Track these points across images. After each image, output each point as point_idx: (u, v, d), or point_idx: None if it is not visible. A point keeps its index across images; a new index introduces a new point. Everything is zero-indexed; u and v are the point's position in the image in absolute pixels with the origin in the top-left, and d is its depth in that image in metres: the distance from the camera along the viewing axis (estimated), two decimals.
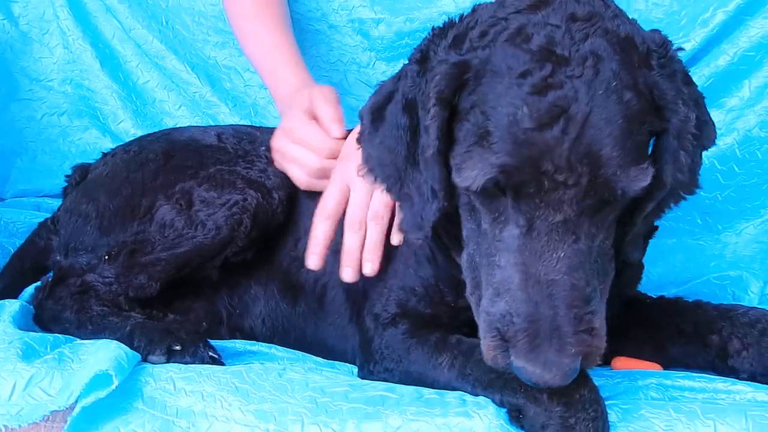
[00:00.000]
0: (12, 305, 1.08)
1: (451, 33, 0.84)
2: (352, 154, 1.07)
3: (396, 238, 1.06)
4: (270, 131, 1.37)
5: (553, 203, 0.75)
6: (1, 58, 1.62)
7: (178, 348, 0.97)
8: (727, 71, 1.34)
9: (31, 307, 1.15)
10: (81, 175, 1.35)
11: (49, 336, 1.01)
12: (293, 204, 1.22)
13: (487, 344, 0.79)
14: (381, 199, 1.07)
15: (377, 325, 1.02)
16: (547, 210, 0.75)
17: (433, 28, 0.90)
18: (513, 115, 0.74)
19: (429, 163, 0.83)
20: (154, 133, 1.41)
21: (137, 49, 1.63)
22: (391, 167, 0.89)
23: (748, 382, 0.91)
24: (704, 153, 1.35)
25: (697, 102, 0.86)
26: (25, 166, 1.65)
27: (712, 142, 0.90)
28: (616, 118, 0.74)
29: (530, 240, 0.76)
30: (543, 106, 0.73)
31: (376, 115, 0.91)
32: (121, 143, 1.44)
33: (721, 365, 0.97)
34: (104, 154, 1.37)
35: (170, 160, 1.25)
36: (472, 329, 0.97)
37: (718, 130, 1.33)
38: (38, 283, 1.20)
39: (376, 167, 0.91)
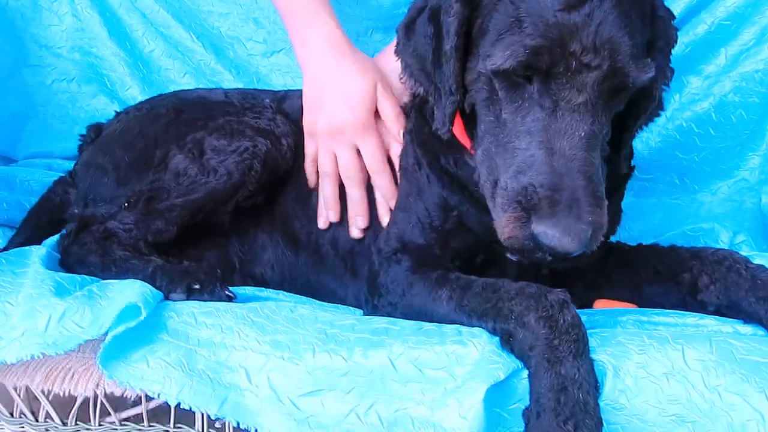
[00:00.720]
0: (39, 250, 1.16)
1: None
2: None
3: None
4: (271, 93, 1.44)
5: (578, 85, 0.86)
6: (12, 25, 1.67)
7: (197, 287, 1.05)
8: (705, 39, 1.42)
9: (56, 254, 1.22)
10: (95, 133, 1.42)
11: (77, 276, 1.09)
12: (299, 152, 1.28)
13: (507, 217, 0.87)
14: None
15: (381, 260, 1.11)
16: (572, 91, 0.86)
17: None
18: (542, 1, 0.84)
19: (447, 57, 0.94)
20: (164, 93, 1.48)
21: (143, 19, 1.69)
22: (424, 72, 1.01)
23: (715, 316, 1.00)
24: (683, 117, 1.47)
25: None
26: (35, 130, 1.71)
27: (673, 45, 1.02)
28: (630, 13, 0.86)
29: (555, 120, 0.87)
30: None
31: (408, 28, 1.04)
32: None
33: (692, 301, 1.05)
34: (117, 113, 1.45)
35: (181, 114, 1.32)
36: (462, 260, 1.09)
37: (695, 96, 1.45)
38: (63, 231, 1.27)
39: (413, 73, 1.03)
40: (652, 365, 0.85)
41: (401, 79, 1.07)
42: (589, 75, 0.85)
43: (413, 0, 1.53)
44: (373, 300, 1.11)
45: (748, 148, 1.43)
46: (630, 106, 0.97)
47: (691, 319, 0.99)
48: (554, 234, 0.83)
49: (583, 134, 0.87)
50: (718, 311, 1.02)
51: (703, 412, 0.83)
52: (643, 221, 1.47)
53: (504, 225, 0.88)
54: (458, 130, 1.07)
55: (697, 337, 0.88)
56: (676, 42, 0.99)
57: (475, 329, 0.94)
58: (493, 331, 0.92)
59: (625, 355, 0.87)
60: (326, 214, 1.26)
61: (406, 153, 1.17)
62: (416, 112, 1.17)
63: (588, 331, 0.91)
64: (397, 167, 1.20)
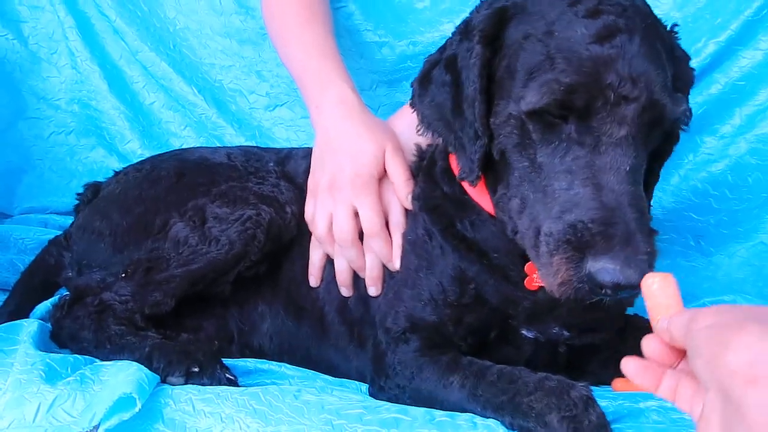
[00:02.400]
0: (30, 325, 1.10)
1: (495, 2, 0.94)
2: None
3: (397, 263, 1.12)
4: (275, 151, 1.41)
5: (618, 118, 0.83)
6: (10, 77, 1.65)
7: (196, 370, 0.99)
8: (719, 99, 1.39)
9: (48, 324, 1.17)
10: (93, 192, 1.37)
11: (70, 357, 1.03)
12: (303, 219, 1.23)
13: (557, 260, 0.81)
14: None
15: (389, 339, 1.06)
16: (613, 125, 0.83)
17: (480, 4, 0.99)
18: (572, 36, 0.83)
19: (470, 101, 0.92)
20: (165, 153, 1.44)
21: (144, 71, 1.66)
22: (443, 121, 0.99)
23: None
24: (698, 178, 1.43)
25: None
26: (32, 184, 1.67)
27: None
28: (658, 47, 0.85)
29: (598, 155, 0.83)
30: (599, 24, 0.83)
31: (423, 80, 1.03)
32: (129, 163, 1.47)
33: None
34: (116, 173, 1.40)
35: (182, 178, 1.28)
36: (475, 337, 1.04)
37: (710, 156, 1.41)
38: (54, 300, 1.23)
39: (431, 123, 1.02)
40: None
41: (418, 131, 1.05)
42: (629, 107, 0.82)
43: (419, 54, 1.55)
44: (380, 381, 1.05)
45: (766, 211, 1.39)
46: (655, 150, 0.95)
47: None
48: (615, 268, 0.77)
49: (627, 168, 0.83)
50: None
51: None
52: None
53: (555, 270, 0.81)
54: (472, 187, 1.04)
55: None
56: (693, 83, 0.98)
57: (491, 421, 0.89)
58: (510, 426, 0.87)
59: None
60: (311, 279, 1.22)
61: (415, 223, 1.12)
62: (424, 175, 1.13)
63: (612, 426, 0.86)
64: (394, 235, 1.15)
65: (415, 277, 1.08)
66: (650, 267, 0.78)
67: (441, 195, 1.08)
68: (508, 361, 0.98)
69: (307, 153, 1.30)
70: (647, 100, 0.82)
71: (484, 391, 0.91)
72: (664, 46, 0.89)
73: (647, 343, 0.71)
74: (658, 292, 0.73)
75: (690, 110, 0.95)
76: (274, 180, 1.27)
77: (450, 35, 1.03)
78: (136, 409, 0.88)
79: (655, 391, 0.70)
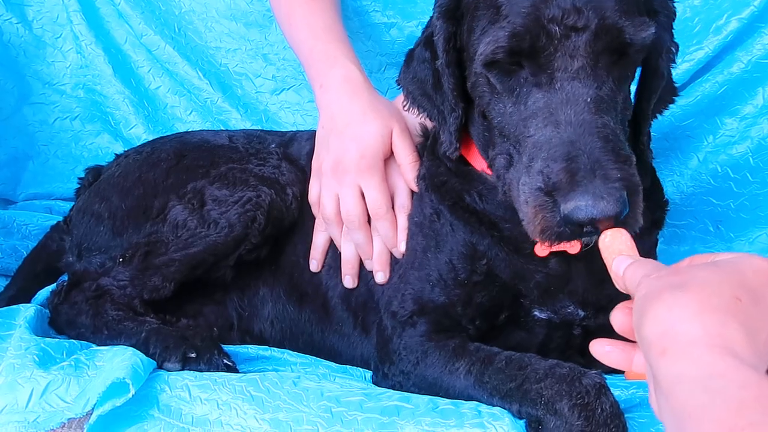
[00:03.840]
0: (27, 310, 1.09)
1: None
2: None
3: (402, 246, 1.09)
4: (278, 134, 1.38)
5: (569, 50, 0.79)
6: (15, 61, 1.62)
7: (193, 355, 0.97)
8: (741, 78, 1.33)
9: (46, 310, 1.15)
10: (94, 176, 1.36)
11: (65, 342, 1.01)
12: (305, 201, 1.21)
13: (532, 210, 0.77)
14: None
15: (395, 323, 1.03)
16: (564, 58, 0.79)
17: None
18: None
19: (444, 73, 0.93)
20: (167, 135, 1.41)
21: (149, 55, 1.63)
22: (426, 97, 1.00)
23: None
24: (717, 161, 1.37)
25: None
26: (37, 170, 1.65)
27: (672, 101, 1.00)
28: None
29: (554, 92, 0.80)
30: None
31: (408, 57, 1.04)
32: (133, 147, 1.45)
33: None
34: (117, 156, 1.38)
35: (182, 159, 1.25)
36: (485, 320, 1.01)
37: (731, 138, 1.36)
38: (53, 287, 1.20)
39: (415, 99, 1.03)
40: None
41: (404, 107, 1.05)
42: (579, 37, 0.79)
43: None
44: (383, 368, 1.02)
45: None
46: (640, 89, 0.93)
47: None
48: (586, 203, 0.72)
49: (588, 99, 0.79)
50: None
51: None
52: None
53: (531, 220, 0.78)
54: (473, 155, 1.02)
55: None
56: (675, 16, 0.93)
57: (496, 409, 0.86)
58: (518, 414, 0.83)
59: None
60: (313, 263, 1.19)
61: (421, 204, 1.08)
62: (428, 153, 1.10)
63: (625, 415, 0.82)
64: (399, 217, 1.12)
65: (422, 258, 1.04)
66: (630, 196, 0.74)
67: (446, 171, 1.05)
68: (519, 347, 0.94)
69: (312, 135, 1.27)
70: (598, 26, 0.78)
71: (491, 378, 0.88)
72: None
73: (615, 315, 0.68)
74: (610, 243, 0.71)
75: (674, 45, 0.91)
76: (275, 161, 1.24)
77: None
78: (130, 395, 0.86)
79: (629, 368, 0.68)
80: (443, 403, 0.89)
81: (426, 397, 0.90)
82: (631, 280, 0.67)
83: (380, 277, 1.11)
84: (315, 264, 1.18)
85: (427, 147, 1.11)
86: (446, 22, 0.93)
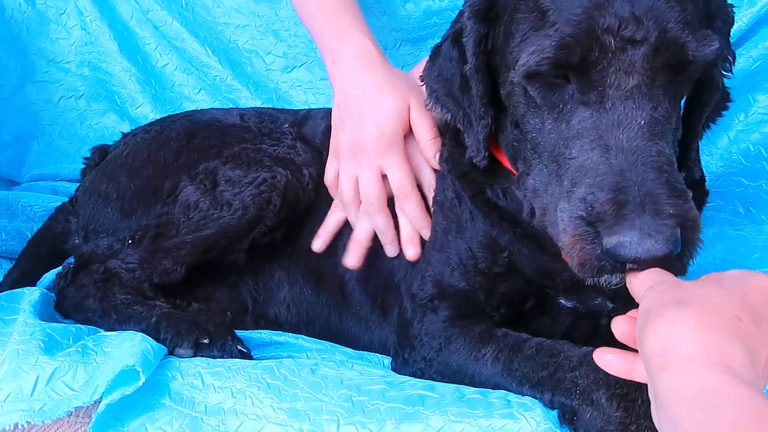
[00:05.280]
0: (32, 293, 1.04)
1: None
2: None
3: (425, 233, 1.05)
4: (291, 112, 1.33)
5: (624, 65, 0.70)
6: (17, 38, 1.57)
7: (206, 341, 0.92)
8: None
9: (52, 294, 1.11)
10: (100, 156, 1.31)
11: (72, 327, 0.97)
12: (321, 183, 1.17)
13: (570, 239, 0.70)
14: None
15: (415, 307, 0.98)
16: (618, 74, 0.70)
17: None
18: None
19: (472, 78, 0.85)
20: (175, 114, 1.37)
21: (156, 31, 1.58)
22: (451, 97, 0.93)
23: None
24: (749, 140, 1.32)
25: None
26: (41, 150, 1.60)
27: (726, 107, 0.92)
28: None
29: (605, 112, 0.71)
30: None
31: (434, 53, 0.97)
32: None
33: None
34: (124, 135, 1.34)
35: (193, 139, 1.20)
36: (509, 308, 0.96)
37: (764, 116, 1.30)
38: (59, 269, 1.16)
39: (439, 98, 0.95)
40: None
41: (427, 105, 0.98)
42: (636, 51, 0.70)
43: (445, 9, 1.46)
44: (404, 353, 0.97)
45: None
46: (691, 102, 0.85)
47: None
48: (632, 240, 0.65)
49: (643, 122, 0.70)
50: None
51: None
52: (703, 254, 1.30)
53: (570, 250, 0.70)
54: (499, 151, 0.95)
55: None
56: (733, 22, 0.84)
57: (527, 399, 0.81)
58: (550, 404, 0.79)
59: None
60: (317, 241, 1.14)
61: (443, 185, 1.03)
62: (452, 138, 1.04)
63: None
64: (428, 197, 1.07)
65: (443, 239, 0.99)
66: (685, 234, 0.66)
67: (469, 161, 0.98)
68: (542, 333, 0.90)
69: (326, 113, 1.22)
70: (659, 39, 0.70)
71: (520, 366, 0.83)
72: None
73: (617, 324, 0.68)
74: None
75: (731, 54, 0.84)
76: (289, 141, 1.20)
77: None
78: (140, 383, 0.82)
79: (631, 377, 0.67)
80: (470, 392, 0.84)
81: (452, 386, 0.86)
82: (636, 290, 0.66)
83: (411, 252, 1.06)
84: (319, 243, 1.14)
85: (450, 129, 1.05)
86: (478, 23, 0.84)
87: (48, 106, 1.60)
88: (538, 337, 0.86)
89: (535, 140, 0.80)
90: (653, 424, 0.71)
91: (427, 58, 1.18)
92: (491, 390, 0.85)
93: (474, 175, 0.98)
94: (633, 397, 0.73)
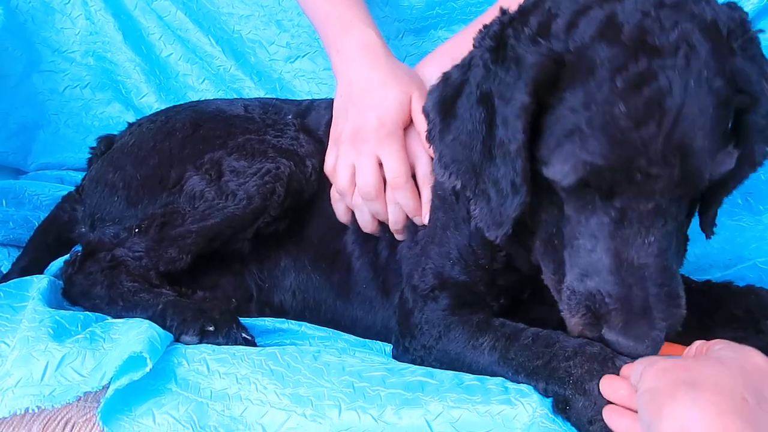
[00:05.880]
0: (40, 281, 1.07)
1: (533, 20, 0.79)
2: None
3: (426, 218, 1.07)
4: (294, 103, 1.34)
5: (645, 193, 0.74)
6: (23, 28, 1.58)
7: (211, 329, 0.95)
8: None
9: (60, 281, 1.13)
10: (106, 145, 1.33)
11: (80, 314, 0.99)
12: (324, 173, 1.18)
13: (576, 321, 0.80)
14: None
15: (416, 297, 1.00)
16: (639, 199, 0.74)
17: (504, 11, 0.84)
18: (608, 112, 0.71)
19: (511, 156, 0.78)
20: (180, 104, 1.38)
21: (160, 21, 1.59)
22: (466, 163, 0.84)
23: None
24: None
25: None
26: (47, 139, 1.62)
27: None
28: (707, 108, 0.72)
29: (621, 227, 0.76)
30: (639, 101, 0.71)
31: (445, 109, 0.87)
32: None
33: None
34: (130, 125, 1.35)
35: (198, 129, 1.22)
36: (508, 297, 0.98)
37: None
38: (67, 257, 1.19)
39: (450, 165, 0.86)
40: None
41: (432, 171, 0.93)
42: (659, 183, 0.74)
43: (446, 0, 1.46)
44: (404, 341, 0.99)
45: None
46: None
47: None
48: (627, 343, 0.77)
49: (653, 239, 0.76)
50: None
51: None
52: (701, 245, 1.32)
53: (574, 325, 0.81)
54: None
55: None
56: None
57: (523, 386, 0.83)
58: (545, 393, 0.81)
59: None
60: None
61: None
62: None
63: None
64: (422, 188, 1.09)
65: (442, 234, 1.01)
66: (667, 333, 0.77)
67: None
68: (537, 321, 0.91)
69: (330, 104, 1.24)
70: (680, 173, 0.73)
71: (516, 355, 0.85)
72: (722, 89, 0.74)
73: (608, 383, 0.75)
74: None
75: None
76: (293, 133, 1.22)
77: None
78: (147, 369, 0.84)
79: None
80: (468, 378, 0.86)
81: (450, 373, 0.88)
82: (632, 373, 0.73)
83: (400, 238, 1.09)
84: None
85: None
86: (532, 98, 0.76)
87: (53, 95, 1.62)
88: (535, 327, 0.88)
89: (551, 215, 0.83)
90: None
91: (432, 54, 1.20)
92: (489, 377, 0.87)
93: None
94: None
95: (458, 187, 0.86)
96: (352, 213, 1.16)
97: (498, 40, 0.81)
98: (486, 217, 0.84)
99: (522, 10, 0.82)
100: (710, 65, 0.73)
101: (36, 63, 1.60)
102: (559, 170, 0.75)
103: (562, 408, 0.78)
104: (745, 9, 0.86)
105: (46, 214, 1.35)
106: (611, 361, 0.77)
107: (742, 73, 0.75)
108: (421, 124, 1.08)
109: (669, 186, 0.74)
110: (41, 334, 0.90)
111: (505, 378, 0.86)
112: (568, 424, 0.78)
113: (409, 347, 0.99)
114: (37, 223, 1.35)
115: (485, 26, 0.86)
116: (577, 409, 0.76)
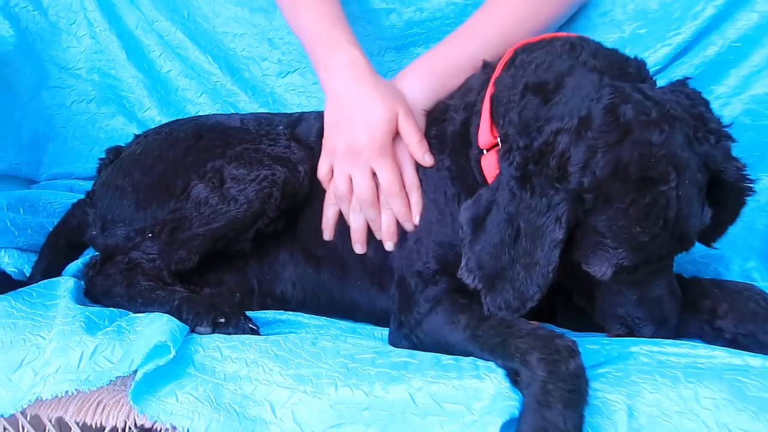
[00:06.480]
0: (67, 282, 1.20)
1: (552, 162, 0.97)
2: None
3: (417, 218, 1.21)
4: (285, 115, 1.47)
5: (658, 263, 1.02)
6: (32, 47, 1.70)
7: (222, 320, 1.08)
8: (715, 61, 1.42)
9: (81, 282, 1.26)
10: (115, 155, 1.45)
11: (106, 310, 1.13)
12: (315, 177, 1.32)
13: (615, 333, 1.08)
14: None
15: (419, 281, 1.15)
16: (653, 266, 1.02)
17: (521, 147, 1.01)
18: (628, 232, 0.96)
19: (551, 253, 0.96)
20: (182, 118, 1.51)
21: (160, 40, 1.70)
22: (490, 269, 1.00)
23: (727, 349, 1.02)
24: None
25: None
26: (56, 151, 1.73)
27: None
28: (696, 200, 0.97)
29: (638, 277, 1.02)
30: (651, 222, 0.95)
31: (476, 225, 1.02)
32: (149, 128, 1.54)
33: (709, 330, 1.08)
34: (136, 136, 1.48)
35: (200, 140, 1.34)
36: None
37: None
38: (85, 260, 1.32)
39: (475, 270, 1.01)
40: (665, 404, 0.88)
41: (460, 272, 1.05)
42: (666, 260, 1.02)
43: (425, 20, 1.58)
44: (401, 316, 1.14)
45: (759, 169, 1.42)
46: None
47: (703, 350, 1.01)
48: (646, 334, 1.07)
49: (662, 283, 1.04)
50: (734, 339, 1.05)
51: None
52: None
53: (614, 334, 1.09)
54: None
55: (709, 375, 0.91)
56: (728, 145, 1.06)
57: (491, 363, 0.97)
58: (503, 367, 0.95)
59: (639, 394, 0.89)
60: (326, 233, 1.31)
61: (439, 185, 1.20)
62: (455, 152, 1.20)
63: (602, 369, 0.95)
64: (409, 194, 1.23)
65: (440, 228, 1.17)
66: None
67: (473, 181, 1.16)
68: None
69: (319, 115, 1.37)
70: (680, 247, 1.01)
71: (483, 333, 1.00)
72: (702, 179, 0.98)
73: None
74: None
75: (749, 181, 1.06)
76: (285, 142, 1.34)
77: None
78: (171, 356, 0.98)
79: None
80: (445, 359, 1.00)
81: (430, 354, 1.02)
82: None
83: (390, 245, 1.23)
84: (327, 234, 1.30)
85: (449, 137, 1.21)
86: (566, 234, 0.95)
87: (61, 109, 1.73)
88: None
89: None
90: (569, 387, 0.87)
91: (408, 68, 1.33)
92: (463, 357, 1.01)
93: (474, 187, 1.14)
94: (559, 364, 0.89)
95: (476, 287, 1.02)
96: (336, 220, 1.29)
97: (523, 174, 0.98)
98: (506, 299, 1.00)
99: (541, 150, 0.99)
100: (692, 166, 0.96)
101: (45, 80, 1.72)
102: (598, 270, 0.99)
103: (513, 379, 0.92)
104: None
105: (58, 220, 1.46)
106: (552, 339, 0.92)
107: (711, 156, 1.00)
108: (409, 138, 1.22)
109: (671, 257, 1.03)
110: (75, 327, 1.03)
111: (474, 354, 1.00)
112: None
113: (404, 321, 1.13)
114: (51, 229, 1.47)
115: (506, 152, 1.03)
116: (521, 379, 0.91)
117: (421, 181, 1.23)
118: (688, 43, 1.42)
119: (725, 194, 1.04)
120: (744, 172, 1.03)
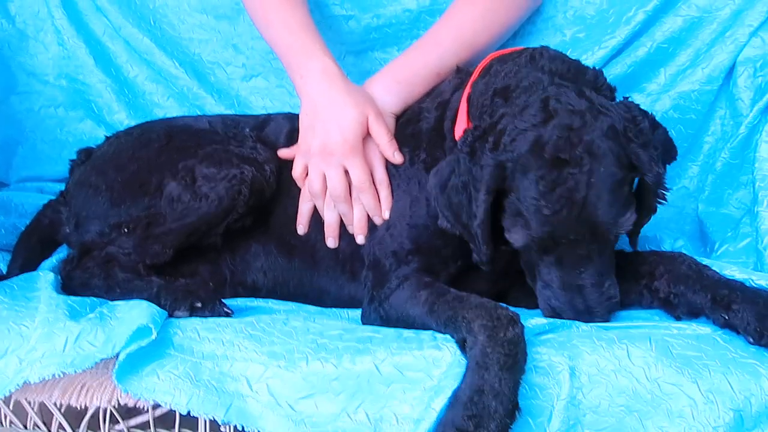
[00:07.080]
0: (47, 275, 1.26)
1: (490, 138, 1.11)
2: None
3: (386, 213, 1.32)
4: (252, 118, 1.55)
5: (571, 247, 1.09)
6: (0, 54, 1.74)
7: (199, 305, 1.16)
8: (646, 60, 1.56)
9: (58, 276, 1.31)
10: (86, 155, 1.50)
11: (87, 299, 1.19)
12: (281, 175, 1.41)
13: (546, 314, 1.16)
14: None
15: (393, 261, 1.25)
16: (569, 251, 1.10)
17: (475, 128, 1.17)
18: (535, 204, 1.06)
19: (479, 228, 1.11)
20: (152, 120, 1.57)
21: (127, 46, 1.76)
22: (459, 221, 1.17)
23: (659, 315, 1.15)
24: None
25: (665, 141, 1.20)
26: (26, 155, 1.78)
27: (674, 158, 1.25)
28: (606, 192, 1.05)
29: (561, 265, 1.12)
30: (554, 197, 1.05)
31: (440, 184, 1.19)
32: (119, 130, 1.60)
33: (647, 292, 1.19)
34: (107, 137, 1.53)
35: (171, 140, 1.41)
36: (465, 262, 1.23)
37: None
38: (60, 257, 1.37)
39: (449, 219, 1.18)
40: (602, 363, 0.99)
41: (439, 223, 1.21)
42: (577, 243, 1.09)
43: (382, 26, 1.67)
44: (374, 291, 1.24)
45: (688, 159, 1.57)
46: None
47: (635, 320, 1.13)
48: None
49: (584, 273, 1.11)
50: (667, 299, 1.15)
51: (646, 401, 0.97)
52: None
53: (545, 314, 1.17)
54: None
55: (639, 337, 1.03)
56: (673, 154, 1.22)
57: (448, 335, 1.07)
58: (454, 338, 1.05)
59: (579, 356, 1.00)
60: (300, 227, 1.40)
61: (414, 176, 1.31)
62: (429, 146, 1.32)
63: (546, 336, 1.06)
64: (379, 190, 1.34)
65: (416, 212, 1.27)
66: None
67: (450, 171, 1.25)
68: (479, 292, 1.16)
69: (287, 116, 1.48)
70: (591, 236, 1.08)
71: (439, 308, 1.10)
72: (622, 166, 1.06)
73: None
74: None
75: (662, 180, 1.14)
76: (251, 143, 1.43)
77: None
78: (153, 337, 1.05)
79: None
80: (407, 333, 1.10)
81: (393, 329, 1.12)
82: None
83: (361, 239, 1.34)
84: (302, 228, 1.39)
85: (424, 133, 1.32)
86: (489, 196, 1.09)
87: (30, 114, 1.78)
88: (462, 292, 1.12)
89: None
90: (506, 352, 0.97)
91: (378, 74, 1.45)
92: (423, 331, 1.11)
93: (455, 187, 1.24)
94: (498, 330, 0.98)
95: (449, 229, 1.19)
96: (310, 216, 1.38)
97: (472, 149, 1.13)
98: (476, 251, 1.17)
99: (485, 129, 1.14)
100: (609, 161, 1.05)
101: (13, 86, 1.77)
102: (514, 237, 1.11)
103: (462, 347, 1.02)
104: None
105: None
106: (495, 310, 1.02)
107: (637, 156, 1.08)
108: (379, 138, 1.34)
109: (584, 244, 1.09)
110: (59, 315, 1.10)
111: (431, 326, 1.10)
112: None
113: (375, 295, 1.23)
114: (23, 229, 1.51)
115: (465, 131, 1.19)
116: (468, 346, 1.00)
117: (392, 177, 1.34)
118: (621, 45, 1.55)
119: (644, 197, 1.13)
120: (662, 180, 1.14)
